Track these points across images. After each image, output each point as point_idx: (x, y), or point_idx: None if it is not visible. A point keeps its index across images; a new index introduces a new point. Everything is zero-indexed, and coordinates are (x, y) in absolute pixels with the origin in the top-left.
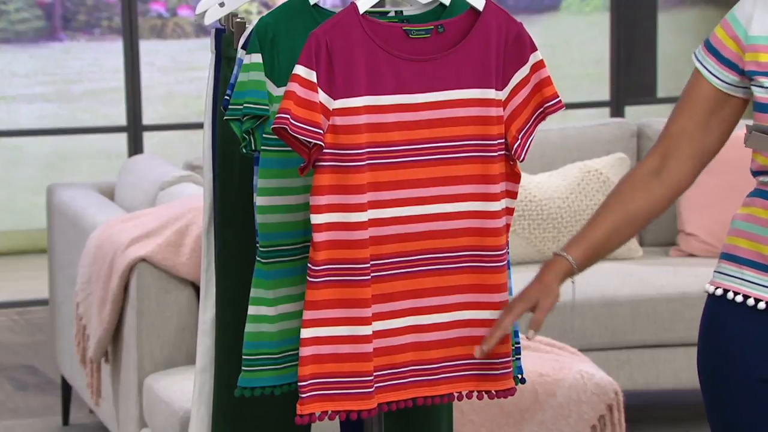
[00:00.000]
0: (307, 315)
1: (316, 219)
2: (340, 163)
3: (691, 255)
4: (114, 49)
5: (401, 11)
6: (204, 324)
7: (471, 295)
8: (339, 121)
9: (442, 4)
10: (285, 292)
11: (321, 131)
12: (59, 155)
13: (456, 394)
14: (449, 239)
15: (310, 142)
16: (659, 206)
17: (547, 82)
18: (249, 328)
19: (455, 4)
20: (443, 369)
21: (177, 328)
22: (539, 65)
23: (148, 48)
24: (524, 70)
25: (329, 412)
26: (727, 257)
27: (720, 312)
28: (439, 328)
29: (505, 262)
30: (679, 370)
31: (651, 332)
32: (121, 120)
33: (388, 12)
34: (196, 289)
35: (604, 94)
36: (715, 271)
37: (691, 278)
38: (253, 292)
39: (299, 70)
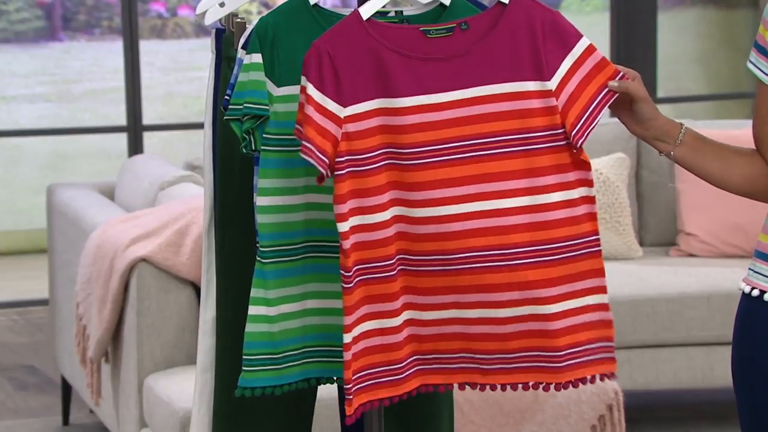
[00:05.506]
0: (348, 320)
1: (343, 227)
2: (356, 168)
3: (691, 255)
4: (114, 49)
5: (401, 11)
6: (205, 324)
7: (534, 291)
8: (351, 127)
9: (442, 5)
10: (285, 292)
11: (325, 159)
12: (59, 155)
13: (510, 386)
14: (499, 236)
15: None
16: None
17: (604, 63)
18: (249, 328)
19: (456, 4)
20: (497, 360)
21: (177, 328)
22: (590, 49)
23: (148, 48)
24: (573, 56)
25: (366, 403)
26: (763, 256)
27: (756, 312)
28: (492, 323)
29: (590, 250)
30: (679, 370)
31: (651, 332)
32: (121, 120)
33: (388, 12)
34: (196, 289)
35: None
36: (749, 269)
37: (691, 278)
38: (253, 292)
39: (311, 90)
